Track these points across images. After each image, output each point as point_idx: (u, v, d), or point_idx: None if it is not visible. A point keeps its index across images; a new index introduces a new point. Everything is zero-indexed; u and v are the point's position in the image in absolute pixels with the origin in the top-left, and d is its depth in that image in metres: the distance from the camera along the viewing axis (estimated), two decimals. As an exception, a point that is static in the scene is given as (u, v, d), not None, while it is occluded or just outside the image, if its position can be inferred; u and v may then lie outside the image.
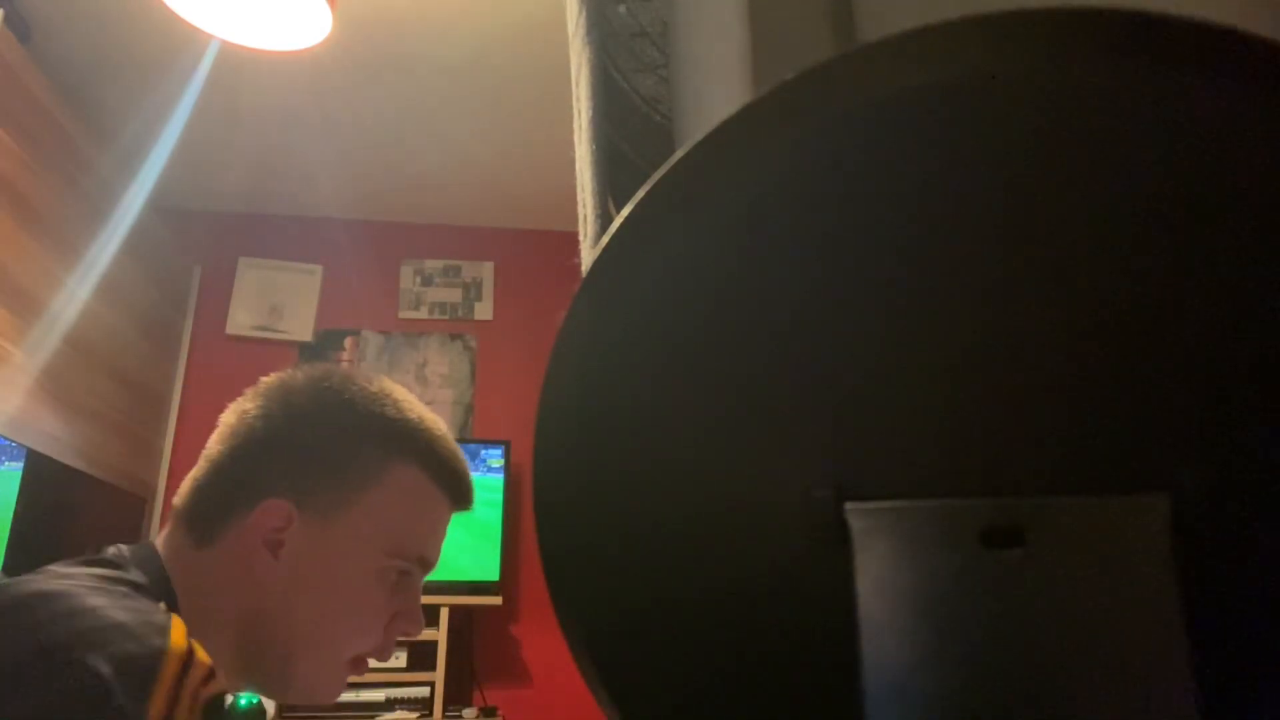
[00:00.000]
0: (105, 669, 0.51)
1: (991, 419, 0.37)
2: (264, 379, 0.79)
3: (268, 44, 2.01)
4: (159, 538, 0.74)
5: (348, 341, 3.23)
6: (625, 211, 0.38)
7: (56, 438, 2.29)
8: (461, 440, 3.03)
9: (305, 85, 2.51)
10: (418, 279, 3.35)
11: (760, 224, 0.38)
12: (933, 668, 0.35)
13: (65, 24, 2.29)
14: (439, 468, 0.79)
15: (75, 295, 2.36)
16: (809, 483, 0.38)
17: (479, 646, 2.92)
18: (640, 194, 0.38)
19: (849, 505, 0.37)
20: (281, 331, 3.17)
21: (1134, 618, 0.34)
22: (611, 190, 0.74)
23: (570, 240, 0.80)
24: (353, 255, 3.29)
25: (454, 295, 3.34)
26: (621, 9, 0.79)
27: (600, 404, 0.40)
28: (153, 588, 0.66)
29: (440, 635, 2.66)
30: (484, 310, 3.33)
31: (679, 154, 0.38)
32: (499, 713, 2.72)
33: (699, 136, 0.37)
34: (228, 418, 0.77)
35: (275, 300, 3.21)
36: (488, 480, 2.92)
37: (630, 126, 0.79)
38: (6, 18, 2.04)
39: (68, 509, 2.47)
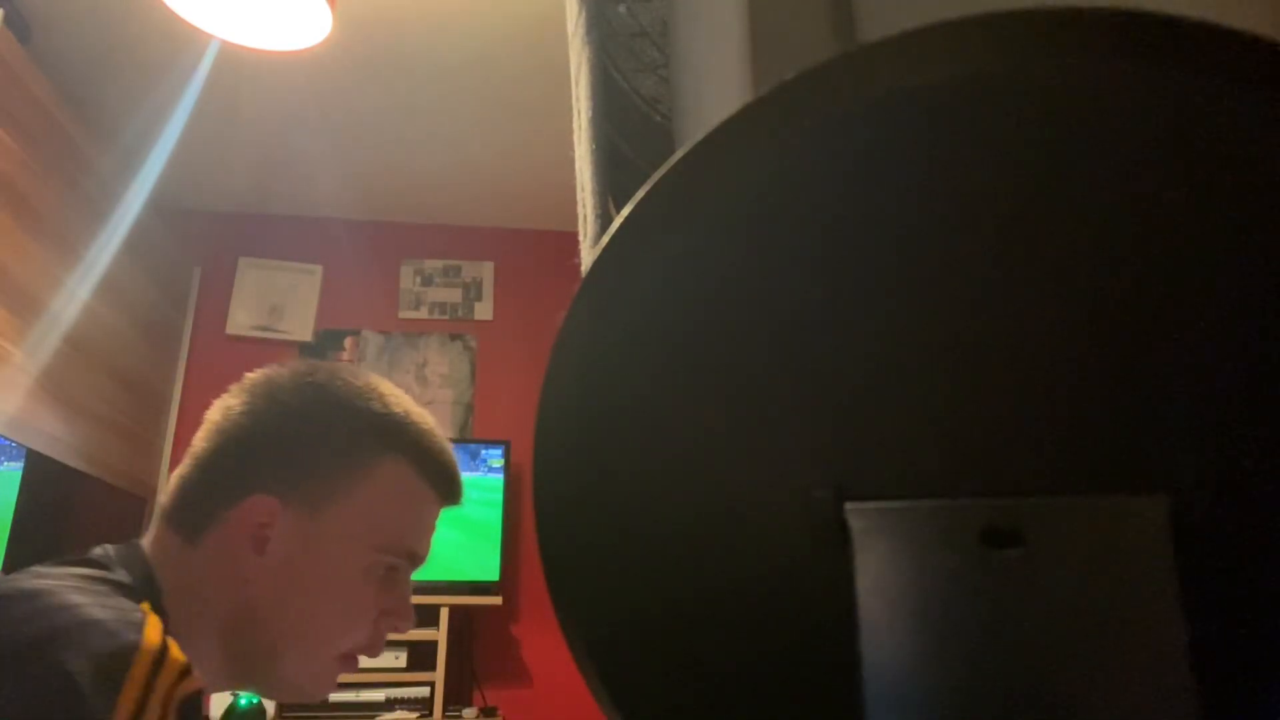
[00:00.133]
0: (75, 666, 0.51)
1: (991, 419, 0.37)
2: (249, 375, 0.78)
3: (268, 44, 2.01)
4: (146, 537, 0.74)
5: (348, 341, 3.23)
6: (625, 211, 0.38)
7: (56, 438, 2.29)
8: (461, 440, 3.05)
9: (305, 85, 2.51)
10: (418, 279, 3.35)
11: (760, 224, 0.38)
12: (933, 668, 0.35)
13: (65, 24, 2.29)
14: (427, 462, 0.78)
15: (75, 295, 2.36)
16: (809, 483, 0.38)
17: (479, 646, 2.92)
18: (640, 194, 0.38)
19: (849, 505, 0.37)
20: (281, 331, 3.17)
21: (1134, 618, 0.34)
22: (611, 190, 0.74)
23: (570, 240, 0.80)
24: (353, 255, 3.29)
25: (454, 295, 3.34)
26: (621, 9, 0.79)
27: (600, 404, 0.40)
28: (137, 587, 0.65)
29: (440, 635, 2.66)
30: (484, 310, 3.33)
31: (679, 154, 0.38)
32: (499, 713, 2.72)
33: (699, 136, 0.37)
34: (213, 414, 0.77)
35: (275, 300, 3.21)
36: (488, 480, 2.92)
37: (630, 126, 0.79)
38: (6, 18, 2.04)
39: (68, 509, 2.47)
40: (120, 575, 0.66)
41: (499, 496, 2.90)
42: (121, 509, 2.69)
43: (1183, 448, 0.36)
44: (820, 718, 0.39)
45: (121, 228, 2.58)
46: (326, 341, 3.21)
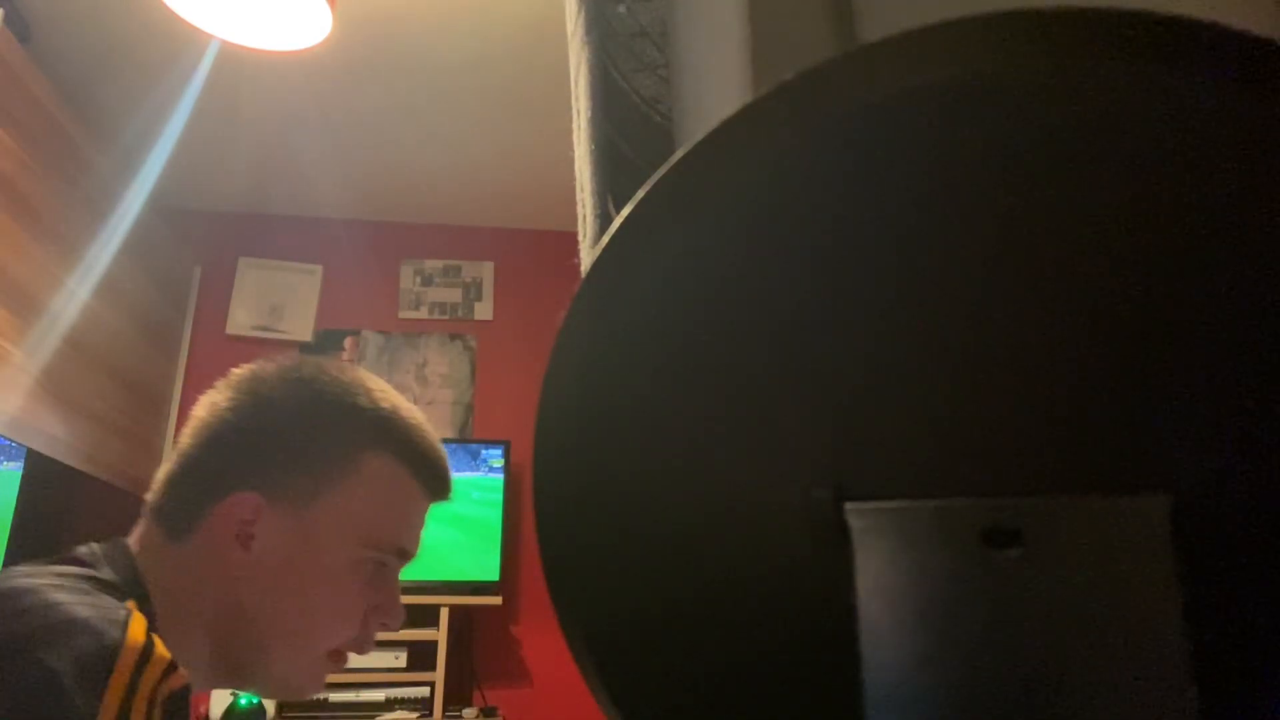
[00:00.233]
0: (58, 665, 0.51)
1: (991, 419, 0.37)
2: (235, 370, 0.78)
3: (268, 44, 2.01)
4: (132, 535, 0.74)
5: (348, 341, 3.23)
6: (625, 211, 0.38)
7: (56, 438, 2.29)
8: (461, 440, 3.05)
9: (305, 85, 2.51)
10: (418, 279, 3.35)
11: (760, 224, 0.38)
12: (933, 668, 0.35)
13: (65, 24, 2.29)
14: (414, 458, 0.78)
15: (75, 295, 2.36)
16: (809, 483, 0.38)
17: (479, 646, 2.92)
18: (640, 194, 0.38)
19: (849, 505, 0.37)
20: (281, 331, 3.17)
21: (1134, 618, 0.34)
22: (611, 190, 0.74)
23: (570, 240, 0.80)
24: (353, 255, 3.29)
25: (454, 295, 3.34)
26: (621, 9, 0.79)
27: (600, 404, 0.40)
28: (122, 585, 0.65)
29: (440, 635, 2.66)
30: (484, 310, 3.33)
31: (679, 154, 0.38)
32: (499, 713, 2.72)
33: (699, 136, 0.37)
34: (199, 411, 0.76)
35: (275, 300, 3.21)
36: (488, 480, 2.92)
37: (630, 126, 0.79)
38: (6, 18, 2.04)
39: (68, 509, 2.47)
40: (105, 573, 0.65)
41: (499, 496, 2.90)
42: (121, 509, 2.68)
43: (1183, 448, 0.36)
44: (820, 718, 0.39)
45: (121, 228, 2.58)
46: (326, 341, 3.21)
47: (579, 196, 0.76)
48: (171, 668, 0.57)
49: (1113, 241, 0.35)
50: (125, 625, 0.56)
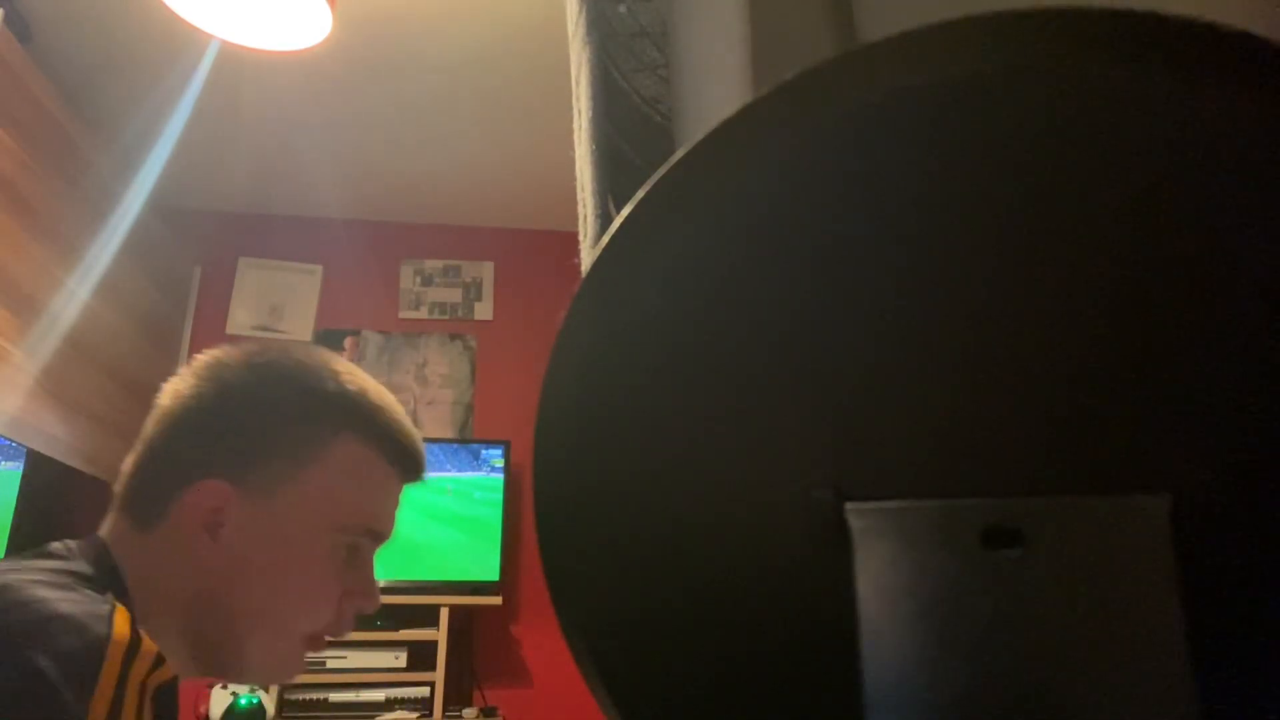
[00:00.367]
0: (46, 663, 0.51)
1: (991, 419, 0.37)
2: (198, 356, 0.77)
3: (268, 44, 2.01)
4: (103, 527, 0.73)
5: (348, 341, 3.23)
6: (625, 211, 0.38)
7: (56, 438, 2.29)
8: (461, 440, 3.05)
9: (305, 85, 2.51)
10: (418, 279, 3.35)
11: (760, 224, 0.38)
12: (933, 668, 0.35)
13: (65, 24, 2.29)
14: (384, 440, 0.77)
15: (75, 295, 2.36)
16: (809, 483, 0.38)
17: (479, 646, 2.91)
18: (640, 194, 0.38)
19: (849, 505, 0.37)
20: (281, 331, 3.17)
21: (1134, 617, 0.34)
22: (611, 190, 0.74)
23: (570, 240, 0.80)
24: (353, 255, 3.29)
25: (454, 295, 3.34)
26: (621, 9, 0.79)
27: (600, 404, 0.40)
28: (100, 578, 0.65)
29: (440, 635, 2.66)
30: (484, 310, 3.33)
31: (679, 154, 0.38)
32: (499, 713, 2.72)
33: (699, 136, 0.37)
34: (162, 399, 0.75)
35: (275, 300, 3.21)
36: (488, 480, 2.92)
37: (630, 126, 0.79)
38: (6, 18, 2.04)
39: (68, 509, 2.47)
40: (82, 567, 0.65)
41: (499, 496, 2.90)
42: (121, 509, 2.68)
43: (1183, 448, 0.36)
44: (820, 717, 0.39)
45: (121, 228, 2.58)
46: (326, 341, 3.21)
47: (579, 196, 0.76)
48: (159, 660, 0.56)
49: (1112, 241, 0.35)
50: (110, 619, 0.56)
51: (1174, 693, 0.33)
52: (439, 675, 2.63)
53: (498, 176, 3.05)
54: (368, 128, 2.75)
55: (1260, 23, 0.34)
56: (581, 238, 0.77)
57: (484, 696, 2.85)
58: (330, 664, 2.59)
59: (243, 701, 2.38)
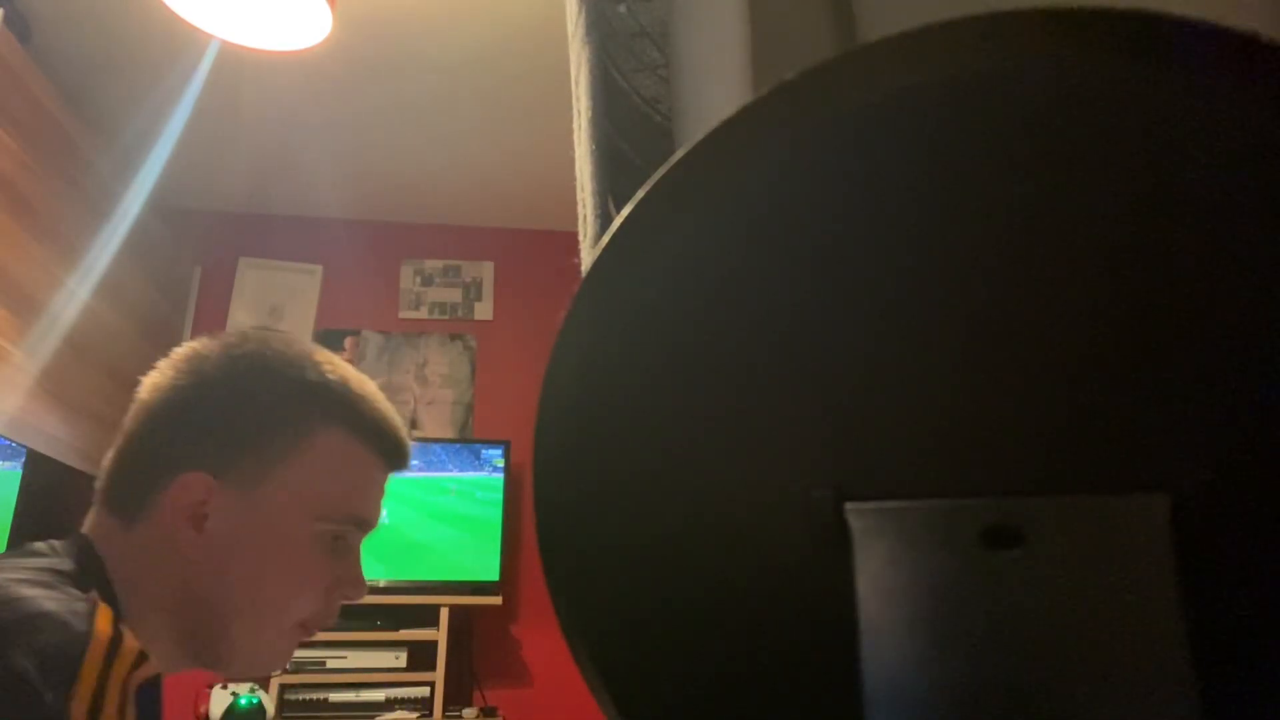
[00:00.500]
0: (25, 662, 0.51)
1: (991, 419, 0.37)
2: (176, 349, 0.77)
3: (268, 44, 2.01)
4: (86, 523, 0.73)
5: (348, 341, 3.23)
6: (625, 211, 0.38)
7: (56, 438, 2.29)
8: (461, 440, 3.05)
9: (305, 85, 2.51)
10: (418, 279, 3.35)
11: (760, 224, 0.38)
12: (933, 668, 0.35)
13: (65, 24, 2.29)
14: (366, 428, 0.77)
15: (75, 295, 2.36)
16: (809, 483, 0.38)
17: (479, 646, 2.91)
18: (640, 194, 0.38)
19: (849, 505, 0.37)
20: (281, 331, 3.17)
21: (1134, 618, 0.34)
22: (611, 190, 0.74)
23: (570, 240, 0.80)
24: (353, 255, 3.29)
25: (454, 295, 3.34)
26: (621, 9, 0.79)
27: (600, 404, 0.40)
28: (84, 575, 0.65)
29: (440, 635, 2.66)
30: (484, 310, 3.33)
31: (679, 154, 0.38)
32: (499, 713, 2.72)
33: (699, 136, 0.37)
34: (141, 393, 0.75)
35: (275, 300, 3.22)
36: (488, 480, 2.92)
37: (630, 126, 0.79)
38: (6, 18, 2.04)
39: (68, 509, 2.47)
40: (66, 564, 0.65)
41: (499, 496, 2.90)
42: (121, 509, 2.68)
43: (1183, 448, 0.36)
44: (820, 717, 0.39)
45: (121, 228, 2.58)
46: (326, 341, 3.21)
47: (579, 196, 0.76)
48: (142, 658, 0.56)
49: (1113, 241, 0.35)
50: (91, 617, 0.55)
51: (1174, 693, 0.33)
52: (439, 675, 2.63)
53: (498, 176, 3.05)
54: (368, 128, 2.75)
55: (1260, 22, 0.34)
56: (581, 238, 0.77)
57: (484, 696, 2.85)
58: (330, 664, 2.59)
59: (243, 701, 2.38)
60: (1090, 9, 0.34)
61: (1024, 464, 0.37)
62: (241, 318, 3.17)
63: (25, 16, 2.23)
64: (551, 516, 0.41)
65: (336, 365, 0.78)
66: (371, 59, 2.43)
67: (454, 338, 3.29)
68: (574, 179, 0.78)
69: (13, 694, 0.50)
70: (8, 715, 0.49)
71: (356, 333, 3.24)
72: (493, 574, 2.80)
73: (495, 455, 2.95)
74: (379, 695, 2.60)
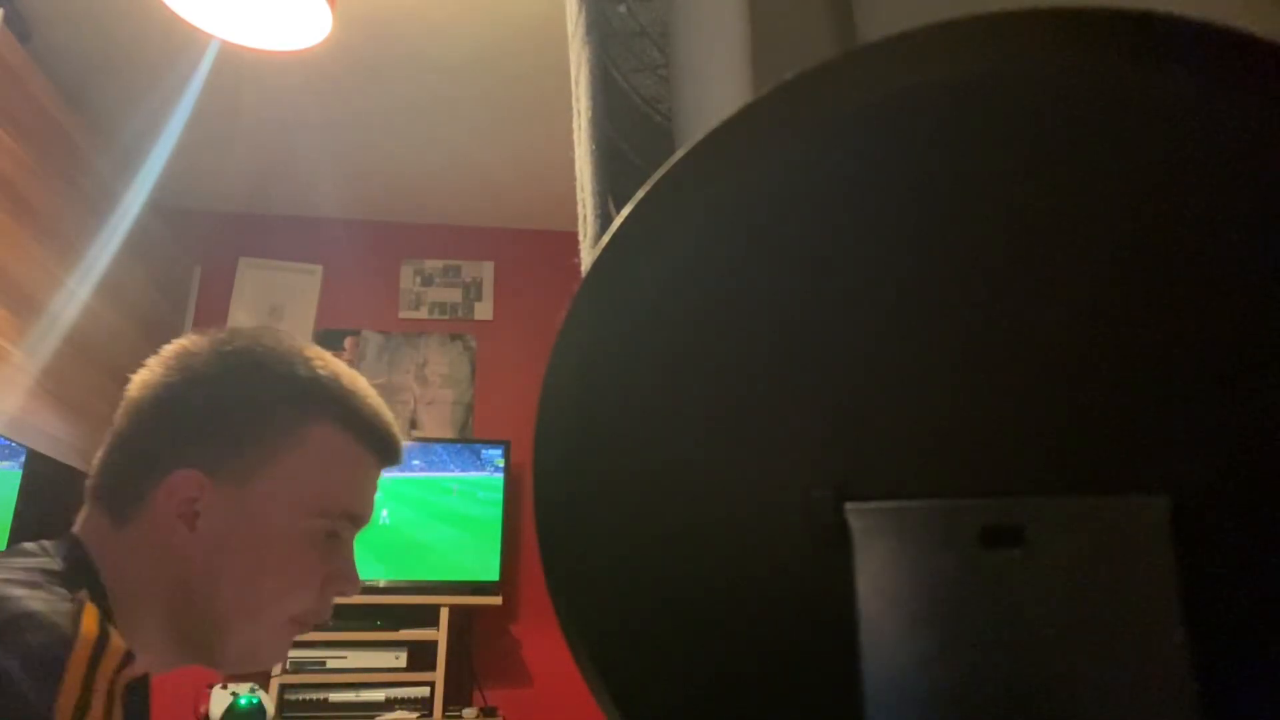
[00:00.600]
0: (9, 661, 0.51)
1: (991, 419, 0.37)
2: (165, 347, 0.76)
3: (268, 44, 2.01)
4: (77, 522, 0.73)
5: (348, 341, 3.23)
6: (625, 211, 0.38)
7: (56, 438, 2.29)
8: (462, 440, 3.05)
9: (305, 85, 2.51)
10: (418, 279, 3.35)
11: (760, 223, 0.38)
12: (933, 668, 0.35)
13: (65, 24, 2.29)
14: (358, 424, 0.77)
15: (75, 295, 2.36)
16: (809, 483, 0.38)
17: (479, 646, 2.91)
18: (640, 194, 0.38)
19: (849, 505, 0.37)
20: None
21: (1134, 618, 0.34)
22: (611, 190, 0.74)
23: (570, 240, 0.80)
24: (353, 255, 3.29)
25: (454, 295, 3.34)
26: (621, 9, 0.79)
27: (600, 404, 0.40)
28: (73, 574, 0.64)
29: (440, 635, 2.66)
30: (484, 310, 3.33)
31: (679, 154, 0.38)
32: (499, 713, 2.72)
33: (699, 136, 0.37)
34: (131, 390, 0.75)
35: (275, 300, 3.22)
36: (488, 480, 2.92)
37: (630, 126, 0.79)
38: (6, 18, 2.04)
39: (68, 509, 2.47)
40: (55, 564, 0.65)
41: (499, 496, 2.90)
42: (121, 509, 2.68)
43: (1183, 448, 0.36)
44: (820, 718, 0.39)
45: (121, 228, 2.58)
46: (326, 341, 3.21)
47: (579, 196, 0.76)
48: (129, 657, 0.56)
49: (1115, 241, 0.35)
50: (77, 617, 0.55)
51: (1174, 693, 0.33)
52: (439, 675, 2.63)
53: (498, 176, 3.05)
54: (368, 128, 2.75)
55: (1260, 22, 0.34)
56: (581, 238, 0.77)
57: (484, 696, 2.85)
58: (330, 664, 2.59)
59: (243, 701, 2.38)
60: (1091, 9, 0.34)
61: (1024, 464, 0.37)
62: (241, 318, 3.17)
63: (25, 16, 2.23)
64: (551, 516, 0.41)
65: (327, 361, 0.78)
66: (371, 59, 2.43)
67: (454, 338, 3.29)
68: (574, 179, 0.78)
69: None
70: None
71: (356, 333, 3.24)
72: (493, 574, 2.80)
73: (495, 455, 2.95)
74: (379, 695, 2.60)
